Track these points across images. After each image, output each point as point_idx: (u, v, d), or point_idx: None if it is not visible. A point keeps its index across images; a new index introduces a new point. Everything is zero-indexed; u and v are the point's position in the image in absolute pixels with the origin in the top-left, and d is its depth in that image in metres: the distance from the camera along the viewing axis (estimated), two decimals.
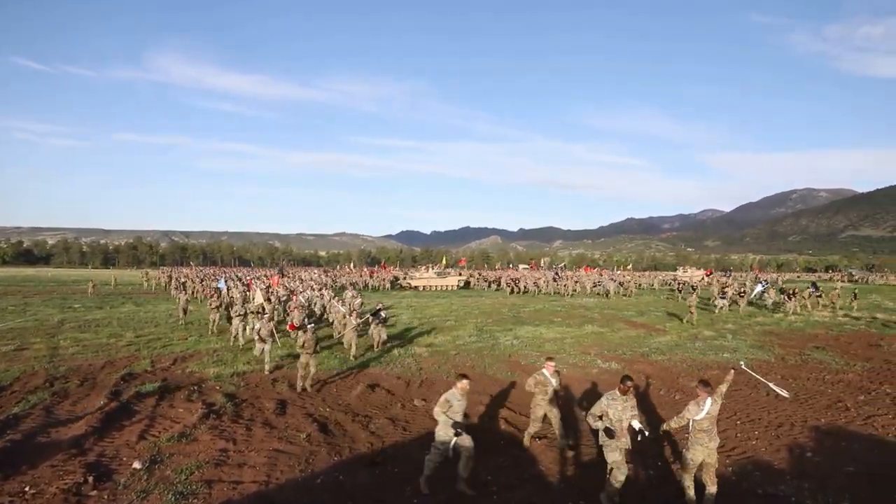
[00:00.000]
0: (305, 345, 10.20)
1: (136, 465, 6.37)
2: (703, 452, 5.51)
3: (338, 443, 7.53)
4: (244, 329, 14.82)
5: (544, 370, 7.59)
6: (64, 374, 10.98)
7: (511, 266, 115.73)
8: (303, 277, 44.66)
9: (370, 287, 44.60)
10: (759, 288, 28.76)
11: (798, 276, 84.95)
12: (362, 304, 18.73)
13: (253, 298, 19.29)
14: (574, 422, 8.58)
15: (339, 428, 8.21)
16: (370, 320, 14.72)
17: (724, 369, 11.76)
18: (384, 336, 14.67)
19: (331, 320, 18.59)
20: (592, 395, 9.89)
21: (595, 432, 6.22)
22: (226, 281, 32.53)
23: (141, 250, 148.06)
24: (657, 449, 7.41)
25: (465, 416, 6.52)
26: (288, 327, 14.68)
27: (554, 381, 7.54)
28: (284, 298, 21.52)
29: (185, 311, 19.28)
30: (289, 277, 43.90)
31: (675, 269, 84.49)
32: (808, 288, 27.34)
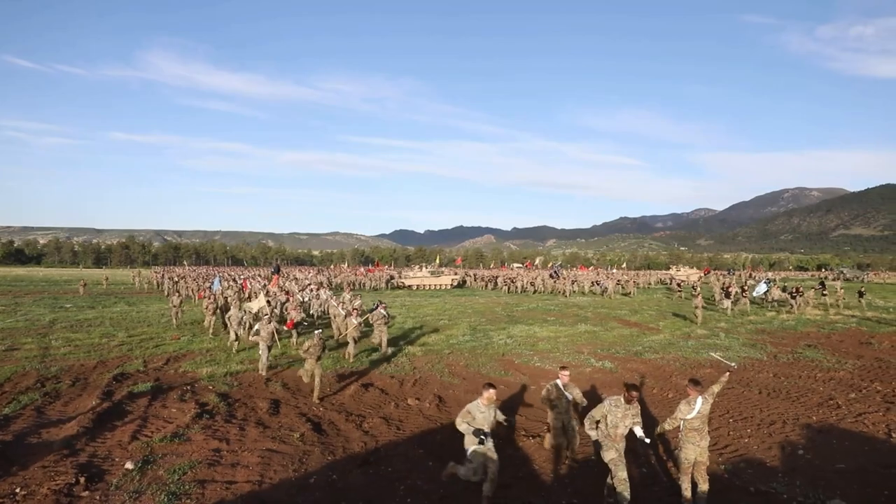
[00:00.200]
0: (311, 350, 9.89)
1: (129, 465, 6.33)
2: (694, 451, 5.52)
3: (331, 442, 7.51)
4: (242, 330, 14.64)
5: (557, 381, 6.90)
6: (55, 375, 10.88)
7: (505, 265, 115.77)
8: (297, 277, 44.45)
9: (369, 287, 44.19)
10: (762, 287, 28.76)
11: (795, 276, 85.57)
12: (362, 304, 18.62)
13: (256, 296, 19.13)
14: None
15: (333, 427, 8.20)
16: (377, 319, 13.96)
17: (716, 367, 11.85)
18: (385, 337, 14.01)
19: (330, 320, 18.45)
20: (585, 395, 9.87)
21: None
22: (220, 281, 32.30)
23: (133, 250, 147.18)
24: (648, 447, 7.43)
25: (494, 430, 5.79)
26: (287, 325, 14.71)
27: (569, 394, 6.79)
28: (283, 301, 21.36)
29: (178, 313, 19.08)
30: (283, 277, 43.61)
31: (668, 268, 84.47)
32: (817, 286, 27.28)
